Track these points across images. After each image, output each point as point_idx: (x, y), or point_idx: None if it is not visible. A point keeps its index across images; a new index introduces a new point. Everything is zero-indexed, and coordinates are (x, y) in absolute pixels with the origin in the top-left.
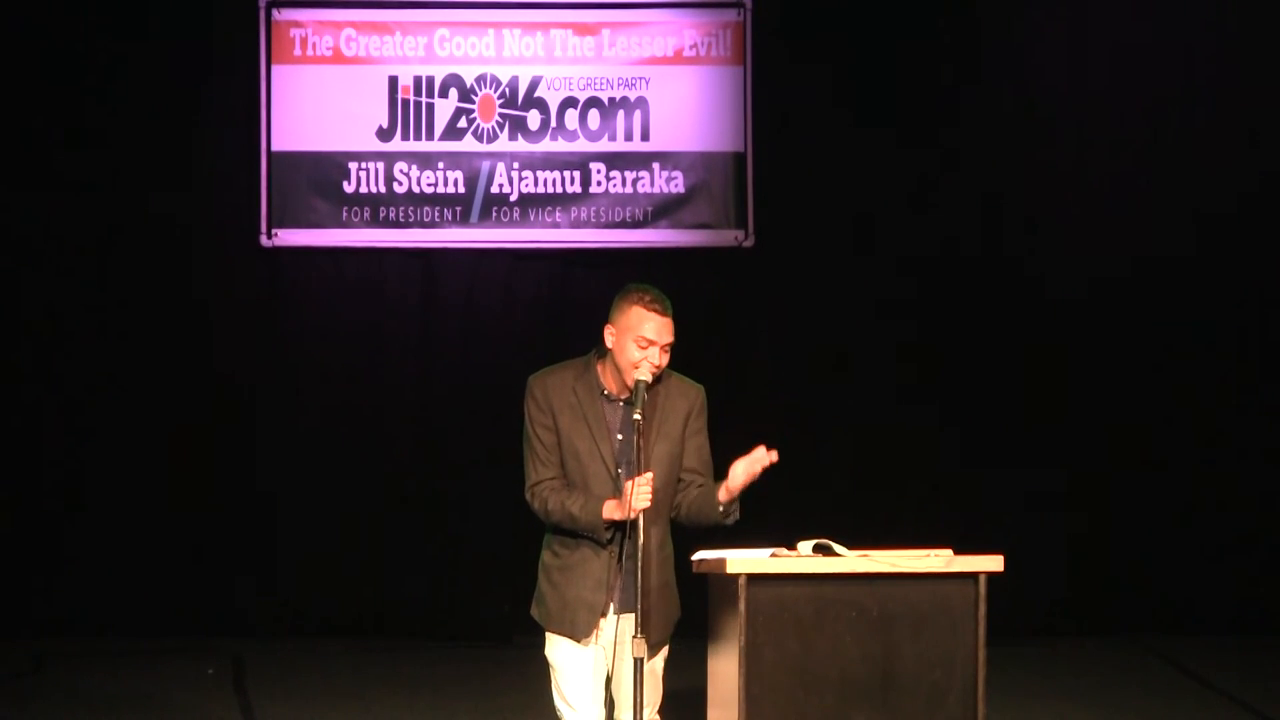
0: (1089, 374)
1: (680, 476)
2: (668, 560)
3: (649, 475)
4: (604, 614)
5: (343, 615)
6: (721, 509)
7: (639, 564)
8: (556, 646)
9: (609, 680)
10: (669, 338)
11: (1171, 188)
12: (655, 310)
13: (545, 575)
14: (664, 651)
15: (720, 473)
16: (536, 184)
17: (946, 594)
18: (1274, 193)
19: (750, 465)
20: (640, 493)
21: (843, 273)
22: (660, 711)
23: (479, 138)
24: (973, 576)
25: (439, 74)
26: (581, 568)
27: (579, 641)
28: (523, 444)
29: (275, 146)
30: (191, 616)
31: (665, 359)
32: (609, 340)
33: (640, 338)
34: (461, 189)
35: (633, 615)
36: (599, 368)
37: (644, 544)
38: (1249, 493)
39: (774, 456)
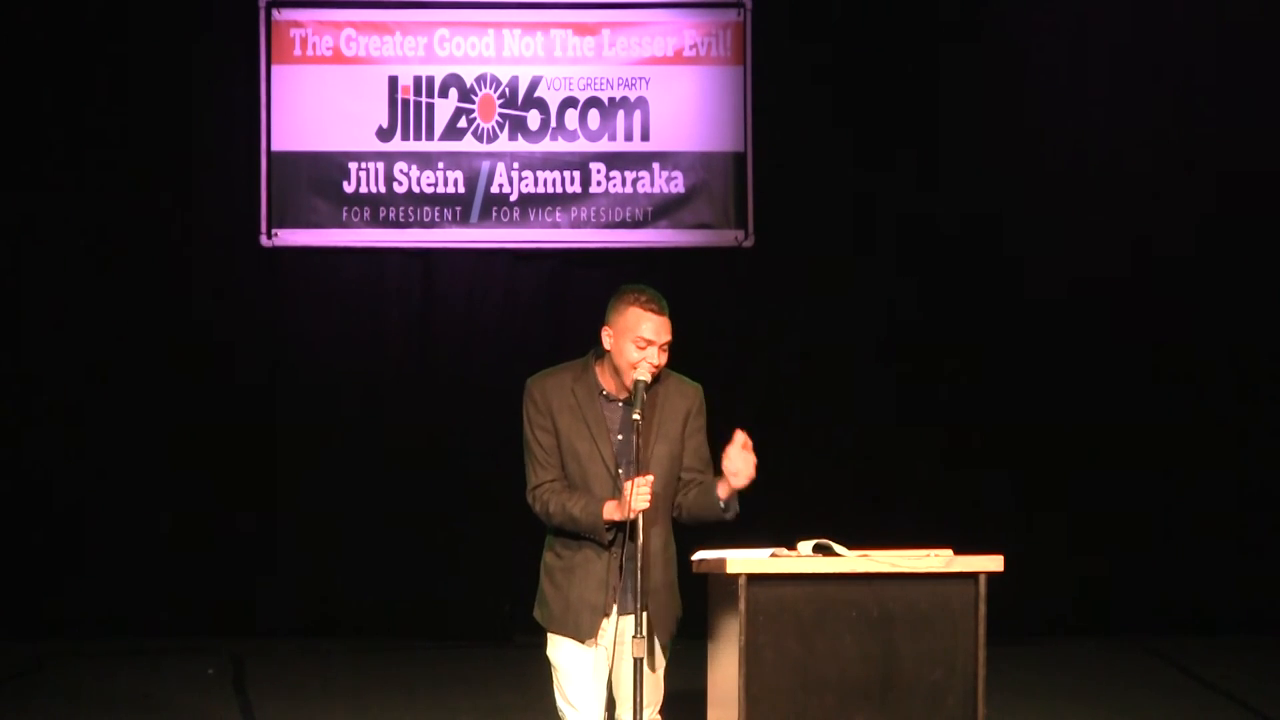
0: (1089, 373)
1: (680, 476)
2: (671, 561)
3: (649, 476)
4: (606, 614)
5: (343, 615)
6: (723, 505)
7: (639, 564)
8: (559, 647)
9: (610, 680)
10: (667, 336)
11: (1171, 187)
12: (652, 310)
13: (548, 576)
14: (665, 651)
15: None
16: (536, 184)
17: (946, 594)
18: (1274, 191)
19: (745, 457)
20: (639, 494)
21: (843, 273)
22: (661, 711)
23: (479, 138)
24: (973, 576)
25: (439, 74)
26: (584, 569)
27: (582, 643)
28: (522, 447)
29: (275, 146)
30: (191, 616)
31: (664, 358)
32: (606, 342)
33: (639, 338)
34: (461, 189)
35: (633, 615)
36: (597, 369)
37: (646, 544)
38: (1249, 493)
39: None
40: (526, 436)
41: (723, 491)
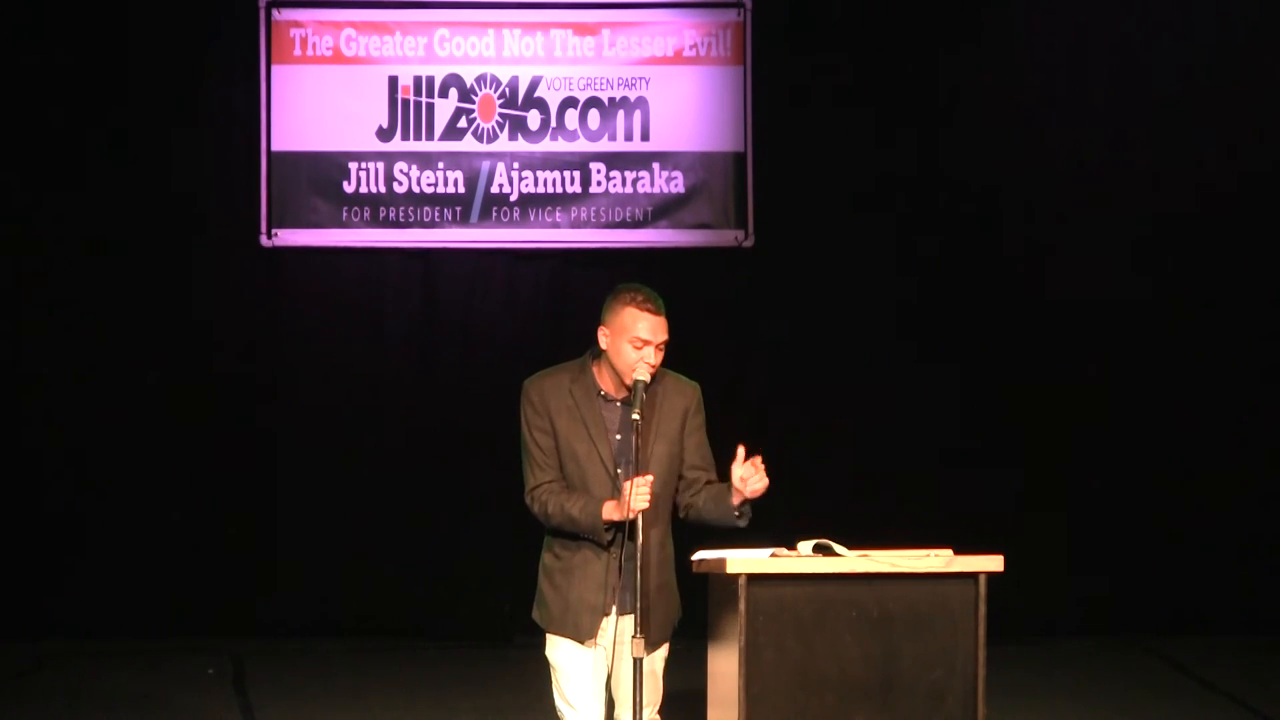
0: (1090, 373)
1: (683, 474)
2: (668, 560)
3: (648, 477)
4: (605, 614)
5: (343, 615)
6: (736, 513)
7: (638, 564)
8: (558, 647)
9: (609, 680)
10: (664, 336)
11: (1171, 186)
12: (648, 310)
13: (547, 577)
14: (664, 651)
15: (720, 475)
16: (536, 184)
17: (946, 594)
18: (1274, 190)
19: (756, 475)
20: (639, 494)
21: (843, 273)
22: (660, 711)
23: (479, 138)
24: (973, 576)
25: (439, 74)
26: (583, 569)
27: (581, 643)
28: (520, 448)
29: (275, 146)
30: (191, 616)
31: (661, 357)
32: (603, 342)
33: (635, 338)
34: (461, 189)
35: (632, 615)
36: (595, 369)
37: (643, 544)
38: (1249, 493)
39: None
40: (524, 438)
41: (737, 500)
